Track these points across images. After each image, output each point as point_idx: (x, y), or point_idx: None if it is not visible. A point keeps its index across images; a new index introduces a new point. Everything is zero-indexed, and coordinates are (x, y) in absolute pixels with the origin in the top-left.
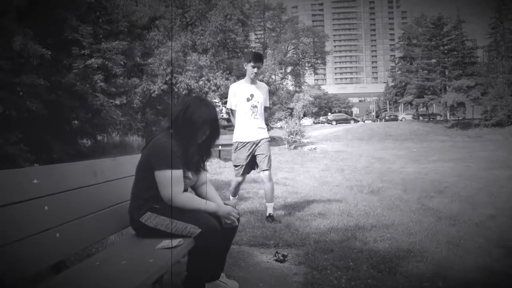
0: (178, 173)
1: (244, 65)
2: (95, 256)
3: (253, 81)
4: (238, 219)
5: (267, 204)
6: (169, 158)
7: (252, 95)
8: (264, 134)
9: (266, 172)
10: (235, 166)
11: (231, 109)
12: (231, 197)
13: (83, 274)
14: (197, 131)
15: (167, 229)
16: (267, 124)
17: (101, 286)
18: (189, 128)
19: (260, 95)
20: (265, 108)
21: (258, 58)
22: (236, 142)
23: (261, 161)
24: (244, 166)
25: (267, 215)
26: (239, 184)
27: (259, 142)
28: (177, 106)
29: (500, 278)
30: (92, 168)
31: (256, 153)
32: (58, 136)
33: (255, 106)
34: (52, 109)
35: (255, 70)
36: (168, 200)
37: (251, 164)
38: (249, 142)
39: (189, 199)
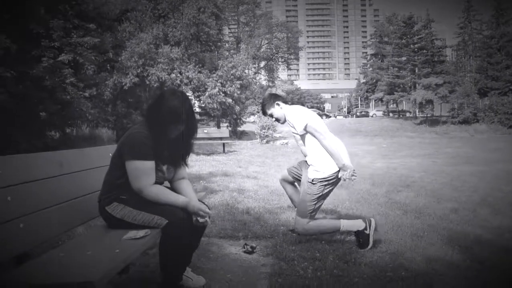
0: (149, 164)
1: None
2: (60, 247)
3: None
4: (208, 217)
5: None
6: (141, 149)
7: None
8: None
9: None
10: None
11: None
12: None
13: (45, 265)
14: (169, 124)
15: (133, 221)
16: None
17: (64, 276)
18: (161, 121)
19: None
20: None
21: (262, 110)
22: None
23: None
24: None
25: None
26: None
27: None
28: (150, 98)
29: (459, 268)
30: (57, 159)
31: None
32: (24, 129)
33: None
34: (18, 100)
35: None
36: (137, 191)
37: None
38: None
39: (159, 192)
